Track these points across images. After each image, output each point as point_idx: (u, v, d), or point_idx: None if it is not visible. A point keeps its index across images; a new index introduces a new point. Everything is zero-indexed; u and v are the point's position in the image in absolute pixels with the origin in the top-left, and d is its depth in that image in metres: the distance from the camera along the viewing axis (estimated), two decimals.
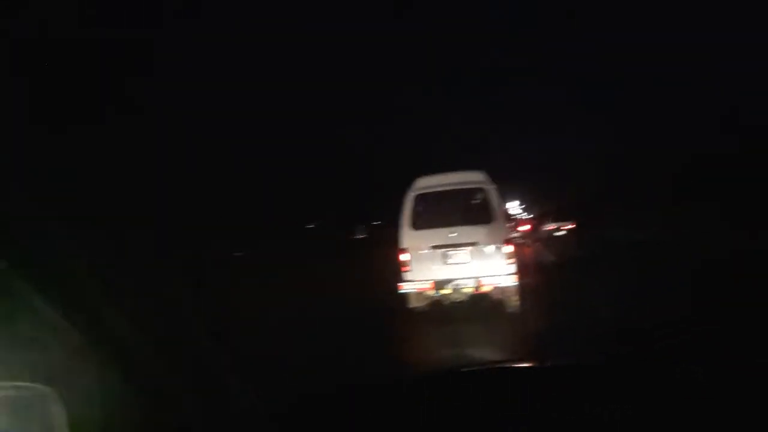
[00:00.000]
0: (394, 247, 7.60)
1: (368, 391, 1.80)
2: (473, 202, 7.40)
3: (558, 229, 26.49)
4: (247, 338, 5.63)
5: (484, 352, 5.95)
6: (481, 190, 7.37)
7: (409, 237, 7.41)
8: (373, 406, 1.68)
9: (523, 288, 7.24)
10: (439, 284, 7.21)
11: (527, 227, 29.61)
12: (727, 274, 7.88)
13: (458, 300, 7.27)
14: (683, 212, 18.20)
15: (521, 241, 19.99)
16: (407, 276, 7.33)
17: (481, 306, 7.35)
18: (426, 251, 7.30)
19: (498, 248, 7.14)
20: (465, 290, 7.18)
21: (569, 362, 2.01)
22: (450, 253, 7.26)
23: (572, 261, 13.03)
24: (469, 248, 7.22)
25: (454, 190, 7.49)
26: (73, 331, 1.08)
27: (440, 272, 7.23)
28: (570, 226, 26.79)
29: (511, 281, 7.07)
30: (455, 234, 7.27)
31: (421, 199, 7.48)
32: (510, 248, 7.16)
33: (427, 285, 7.25)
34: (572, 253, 14.85)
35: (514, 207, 43.40)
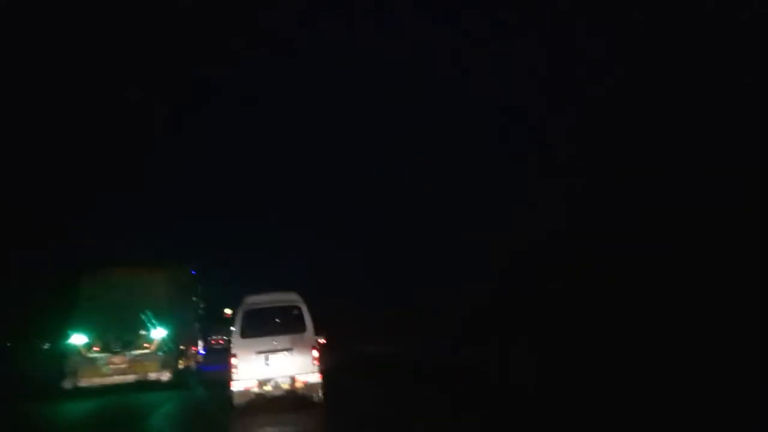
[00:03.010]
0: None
1: None
2: (290, 316, 9.54)
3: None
4: None
5: None
6: (296, 307, 9.56)
7: (238, 344, 9.41)
8: None
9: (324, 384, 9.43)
10: (262, 382, 9.22)
11: None
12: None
13: (276, 395, 9.31)
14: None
15: None
16: (236, 376, 9.26)
17: (294, 398, 9.48)
18: (252, 355, 9.30)
19: (308, 352, 9.32)
20: (283, 386, 9.24)
21: None
22: (271, 356, 9.30)
23: (335, 368, 13.34)
24: (286, 352, 9.31)
25: (275, 306, 9.66)
26: None
27: (263, 372, 9.25)
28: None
29: (317, 378, 9.26)
30: (275, 341, 9.34)
31: (249, 313, 9.54)
32: (316, 353, 9.34)
33: (253, 383, 9.24)
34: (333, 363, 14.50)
35: None
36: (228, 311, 36.74)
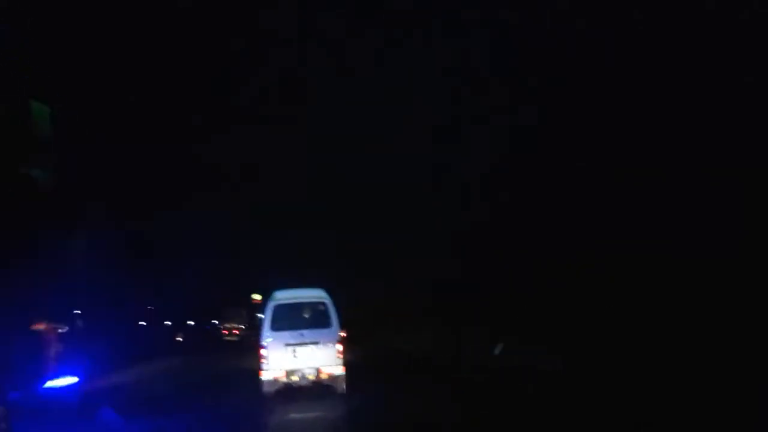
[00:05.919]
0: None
1: None
2: (316, 311, 10.02)
3: None
4: None
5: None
6: (323, 303, 10.04)
7: (268, 336, 9.86)
8: None
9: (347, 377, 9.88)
10: (290, 372, 9.71)
11: None
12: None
13: (303, 385, 9.81)
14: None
15: None
16: (265, 366, 9.74)
17: (319, 388, 9.95)
18: (281, 347, 9.76)
19: (333, 346, 9.80)
20: (309, 377, 9.73)
21: None
22: (298, 349, 9.77)
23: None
24: (312, 346, 9.79)
25: (303, 302, 10.14)
26: None
27: (291, 363, 9.72)
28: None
29: (341, 371, 9.75)
30: (303, 335, 9.80)
31: (279, 308, 10.00)
32: (341, 347, 9.83)
33: (281, 373, 9.72)
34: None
35: None
36: (257, 297, 33.86)
